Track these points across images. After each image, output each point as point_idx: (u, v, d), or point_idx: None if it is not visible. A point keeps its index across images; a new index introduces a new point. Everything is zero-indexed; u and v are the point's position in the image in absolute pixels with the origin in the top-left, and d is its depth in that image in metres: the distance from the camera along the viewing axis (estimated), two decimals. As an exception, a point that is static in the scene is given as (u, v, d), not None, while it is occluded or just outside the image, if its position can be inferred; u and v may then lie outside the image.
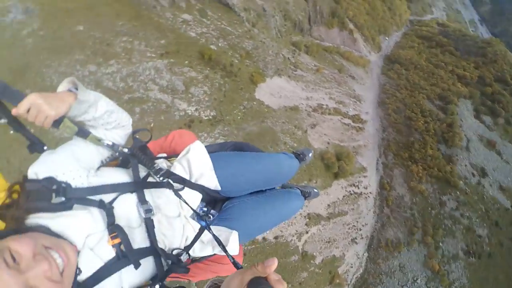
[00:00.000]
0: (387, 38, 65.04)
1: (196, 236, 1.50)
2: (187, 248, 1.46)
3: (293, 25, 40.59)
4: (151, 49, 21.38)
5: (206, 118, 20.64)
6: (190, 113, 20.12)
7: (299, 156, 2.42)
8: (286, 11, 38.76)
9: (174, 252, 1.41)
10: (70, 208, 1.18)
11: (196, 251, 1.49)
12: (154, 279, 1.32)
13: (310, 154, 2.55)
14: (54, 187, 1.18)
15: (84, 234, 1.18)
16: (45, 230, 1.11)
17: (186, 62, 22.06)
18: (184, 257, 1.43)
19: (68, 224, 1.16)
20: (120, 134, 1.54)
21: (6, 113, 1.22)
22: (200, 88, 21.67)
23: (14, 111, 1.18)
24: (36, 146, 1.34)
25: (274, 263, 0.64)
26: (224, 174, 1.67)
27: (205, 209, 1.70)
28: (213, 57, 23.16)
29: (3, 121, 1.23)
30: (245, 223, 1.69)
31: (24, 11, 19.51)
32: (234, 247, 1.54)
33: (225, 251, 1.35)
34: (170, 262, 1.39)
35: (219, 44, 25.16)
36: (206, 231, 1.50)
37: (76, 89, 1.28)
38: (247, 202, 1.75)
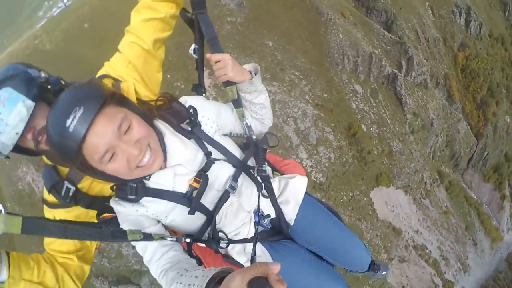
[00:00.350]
0: None
1: (244, 239, 1.53)
2: (231, 242, 1.48)
3: (451, 155, 36.98)
4: (311, 95, 21.85)
5: (313, 179, 19.71)
6: (304, 165, 19.49)
7: (374, 265, 2.16)
8: (452, 139, 35.58)
9: (220, 234, 1.46)
10: (188, 138, 1.36)
11: (234, 251, 1.52)
12: (189, 236, 1.41)
13: (384, 273, 2.27)
14: (191, 118, 1.37)
15: (179, 161, 1.33)
16: (159, 136, 1.29)
17: (332, 124, 21.77)
18: (223, 244, 1.46)
19: (176, 145, 1.33)
20: (258, 126, 1.64)
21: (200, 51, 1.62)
22: (328, 152, 20.95)
23: (208, 55, 1.46)
24: (198, 89, 1.77)
25: (277, 267, 0.65)
26: (304, 216, 1.66)
27: (269, 226, 1.67)
28: (357, 135, 22.36)
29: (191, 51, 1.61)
30: (286, 268, 1.37)
31: (239, 4, 22.40)
32: None
33: None
34: (211, 235, 1.43)
35: (370, 129, 24.21)
36: (249, 244, 1.52)
37: (255, 74, 1.48)
38: (303, 254, 1.68)
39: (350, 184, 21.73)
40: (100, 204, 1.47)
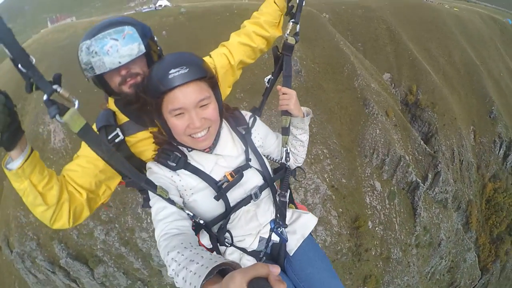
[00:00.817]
0: None
1: (245, 250, 1.61)
2: (233, 245, 1.57)
3: (450, 282, 34.08)
4: (330, 175, 22.18)
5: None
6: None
7: None
8: (456, 266, 33.86)
9: (227, 234, 1.54)
10: (248, 132, 1.65)
11: (230, 257, 1.58)
12: (194, 216, 1.43)
13: None
14: (249, 125, 1.67)
15: (224, 153, 1.53)
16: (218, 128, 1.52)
17: (340, 210, 21.80)
18: (227, 243, 1.53)
19: (227, 140, 1.56)
20: (291, 162, 1.87)
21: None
22: (326, 234, 20.86)
23: (279, 87, 1.74)
24: (256, 111, 1.98)
25: (277, 270, 0.65)
26: (304, 252, 1.72)
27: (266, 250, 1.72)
28: (361, 229, 22.21)
29: None
30: None
31: (297, 71, 23.63)
32: None
33: None
34: (221, 231, 1.53)
35: (376, 228, 23.89)
36: (248, 257, 1.61)
37: (307, 115, 1.78)
38: (290, 286, 1.69)
39: (337, 274, 21.26)
40: (134, 163, 1.53)
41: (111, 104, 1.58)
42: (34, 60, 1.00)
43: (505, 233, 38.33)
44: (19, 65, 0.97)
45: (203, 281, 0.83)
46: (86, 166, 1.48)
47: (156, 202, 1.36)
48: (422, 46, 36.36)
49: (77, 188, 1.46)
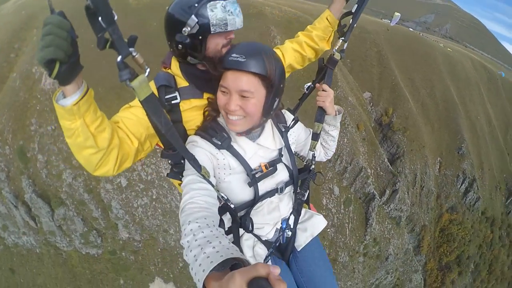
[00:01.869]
0: None
1: (260, 237, 1.69)
2: (252, 232, 1.67)
3: None
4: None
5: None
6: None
7: None
8: (402, 284, 35.25)
9: (249, 220, 1.63)
10: (286, 131, 1.73)
11: (246, 243, 1.64)
12: (227, 200, 1.51)
13: None
14: (289, 125, 1.76)
15: (264, 144, 1.61)
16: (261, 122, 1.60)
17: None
18: (246, 225, 1.62)
19: (269, 134, 1.66)
20: (321, 154, 2.01)
21: None
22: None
23: (318, 85, 1.92)
24: (291, 112, 1.94)
25: (278, 270, 0.65)
26: (311, 250, 1.85)
27: (286, 237, 1.83)
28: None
29: None
30: None
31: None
32: None
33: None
34: (245, 216, 1.62)
35: (328, 230, 25.54)
36: (261, 245, 1.68)
37: (339, 114, 1.90)
38: (291, 278, 1.80)
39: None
40: (180, 130, 1.57)
41: (174, 67, 1.63)
42: (116, 16, 0.95)
43: (453, 262, 40.41)
44: (100, 18, 0.92)
45: (213, 269, 0.82)
46: (141, 117, 1.45)
47: (194, 173, 1.37)
48: (408, 75, 38.62)
49: (130, 135, 1.44)
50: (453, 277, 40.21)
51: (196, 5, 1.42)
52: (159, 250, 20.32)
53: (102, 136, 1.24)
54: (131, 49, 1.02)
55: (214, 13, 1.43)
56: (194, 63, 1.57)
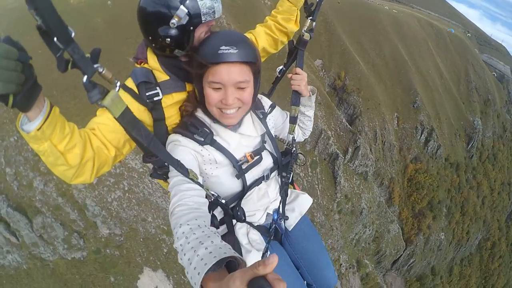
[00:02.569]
0: None
1: (252, 224, 1.71)
2: (245, 221, 1.69)
3: (376, 251, 39.01)
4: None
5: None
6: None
7: None
8: (381, 236, 38.26)
9: (241, 210, 1.66)
10: (265, 117, 1.73)
11: (240, 231, 1.66)
12: (218, 196, 1.52)
13: None
14: (266, 110, 1.77)
15: (246, 133, 1.63)
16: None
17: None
18: (239, 216, 1.65)
19: (249, 122, 1.66)
20: (299, 135, 2.07)
21: None
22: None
23: (293, 70, 1.89)
24: (267, 96, 2.01)
25: (274, 261, 0.63)
26: (301, 228, 1.92)
27: (283, 227, 1.89)
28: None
29: None
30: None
31: None
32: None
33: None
34: (233, 209, 1.65)
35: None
36: (254, 231, 1.70)
37: (313, 94, 1.96)
38: (287, 258, 1.87)
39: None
40: (162, 129, 1.56)
41: (152, 61, 1.58)
42: (73, 33, 0.86)
43: (426, 209, 43.74)
44: (56, 39, 0.82)
45: (208, 270, 0.83)
46: None
47: (180, 174, 1.35)
48: (355, 39, 40.80)
49: (106, 144, 1.40)
50: (428, 222, 43.54)
51: None
52: (141, 240, 20.96)
53: (72, 153, 1.20)
54: (96, 65, 0.95)
55: (204, 2, 1.43)
56: (180, 55, 1.53)
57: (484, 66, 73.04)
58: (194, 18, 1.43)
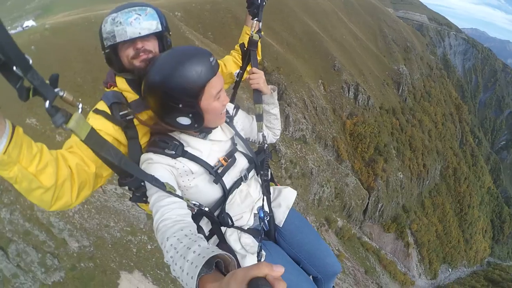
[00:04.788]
0: (450, 270, 61.36)
1: (242, 228, 1.77)
2: (233, 226, 1.74)
3: (342, 205, 42.96)
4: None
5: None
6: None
7: None
8: (341, 191, 42.42)
9: (227, 215, 1.71)
10: (231, 120, 1.87)
11: (231, 238, 1.70)
12: (200, 205, 1.56)
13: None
14: (231, 114, 1.92)
15: (216, 138, 1.71)
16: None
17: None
18: (225, 221, 1.70)
19: (218, 128, 1.74)
20: (270, 136, 2.18)
21: None
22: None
23: (249, 70, 2.07)
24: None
25: (282, 269, 0.66)
26: (291, 222, 1.99)
27: (267, 226, 1.91)
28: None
29: None
30: (273, 263, 1.51)
31: None
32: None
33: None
34: (219, 216, 1.71)
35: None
36: (245, 235, 1.74)
37: (274, 91, 2.12)
38: (285, 255, 1.93)
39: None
40: (136, 148, 1.61)
41: (120, 83, 1.66)
42: (31, 60, 0.88)
43: (375, 155, 48.59)
44: (14, 68, 0.83)
45: (200, 271, 0.86)
46: None
47: (158, 191, 1.38)
48: (266, 25, 45.19)
49: (86, 160, 1.41)
50: (382, 165, 48.29)
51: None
52: (110, 246, 22.77)
53: (46, 173, 1.17)
54: (56, 89, 0.96)
55: (105, 28, 1.52)
56: (126, 77, 1.65)
57: (397, 19, 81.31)
58: (102, 43, 1.56)
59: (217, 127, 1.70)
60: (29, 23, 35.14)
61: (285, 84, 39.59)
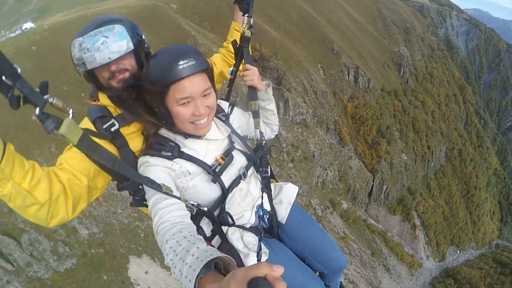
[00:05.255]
0: (458, 252, 61.69)
1: (244, 227, 1.76)
2: (234, 225, 1.72)
3: (346, 188, 43.36)
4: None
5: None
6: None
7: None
8: (345, 174, 42.90)
9: (226, 215, 1.68)
10: (227, 118, 1.80)
11: (233, 237, 1.70)
12: (198, 205, 1.54)
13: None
14: (227, 112, 1.85)
15: (212, 137, 1.68)
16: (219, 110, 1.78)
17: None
18: (225, 220, 1.68)
19: (213, 126, 1.69)
20: (267, 132, 2.12)
21: None
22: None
23: (243, 67, 1.95)
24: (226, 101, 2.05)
25: (281, 270, 0.67)
26: (294, 218, 1.95)
27: (267, 224, 1.89)
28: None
29: None
30: (278, 261, 1.78)
31: None
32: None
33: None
34: (219, 215, 1.69)
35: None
36: (248, 233, 1.73)
37: (269, 87, 2.02)
38: (290, 252, 1.90)
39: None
40: (128, 154, 1.61)
41: (103, 99, 1.66)
42: (19, 70, 0.91)
43: (377, 137, 48.91)
44: (3, 78, 0.86)
45: (198, 275, 0.86)
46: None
47: (156, 193, 1.40)
48: (262, 12, 45.64)
49: (76, 174, 1.43)
50: (385, 147, 48.64)
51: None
52: (118, 232, 23.55)
53: (39, 188, 1.20)
54: (46, 96, 0.98)
55: (74, 53, 1.48)
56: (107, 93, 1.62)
57: (396, 1, 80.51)
58: (76, 66, 1.51)
59: (204, 131, 1.62)
60: (28, 25, 36.02)
61: (283, 69, 39.96)
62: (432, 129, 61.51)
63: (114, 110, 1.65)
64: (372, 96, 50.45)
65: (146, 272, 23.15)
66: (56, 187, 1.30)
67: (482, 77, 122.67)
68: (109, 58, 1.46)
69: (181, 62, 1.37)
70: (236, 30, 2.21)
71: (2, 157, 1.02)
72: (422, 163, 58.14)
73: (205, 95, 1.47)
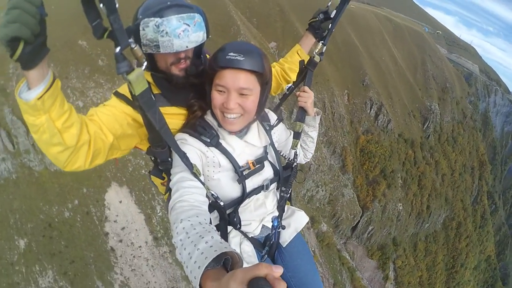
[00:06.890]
0: None
1: (246, 234, 1.81)
2: (240, 230, 1.79)
3: (332, 214, 43.82)
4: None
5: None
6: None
7: None
8: (335, 199, 43.68)
9: (237, 216, 1.76)
10: (271, 129, 1.85)
11: (233, 240, 1.74)
12: (217, 197, 1.62)
13: None
14: (272, 123, 1.90)
15: (253, 142, 1.73)
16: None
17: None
18: (234, 221, 1.75)
19: (255, 131, 1.76)
20: (301, 156, 2.18)
21: None
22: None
23: (301, 88, 2.03)
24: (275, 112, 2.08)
25: (281, 270, 0.67)
26: (295, 245, 2.01)
27: (277, 235, 1.95)
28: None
29: None
30: None
31: None
32: None
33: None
34: (233, 213, 1.75)
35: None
36: (247, 242, 1.77)
37: (318, 115, 2.07)
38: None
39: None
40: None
41: (146, 75, 1.64)
42: (117, 4, 0.91)
43: (379, 176, 49.97)
44: (102, 5, 0.89)
45: (208, 265, 0.86)
46: (118, 114, 1.50)
47: (183, 171, 1.45)
48: (306, 26, 48.09)
49: (104, 129, 1.45)
50: (383, 189, 49.57)
51: (140, 17, 1.45)
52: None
53: (69, 132, 1.21)
54: (130, 40, 1.01)
55: (145, 32, 1.43)
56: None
57: (443, 58, 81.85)
58: (140, 45, 1.42)
59: (253, 130, 1.74)
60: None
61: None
62: (438, 192, 61.80)
63: (154, 88, 1.66)
64: (388, 137, 51.71)
65: (121, 202, 24.93)
66: (84, 136, 1.31)
67: (508, 163, 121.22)
68: (187, 47, 1.50)
69: (231, 54, 1.44)
70: (298, 54, 2.27)
71: (48, 89, 1.06)
72: (416, 220, 58.19)
73: (242, 94, 1.49)
